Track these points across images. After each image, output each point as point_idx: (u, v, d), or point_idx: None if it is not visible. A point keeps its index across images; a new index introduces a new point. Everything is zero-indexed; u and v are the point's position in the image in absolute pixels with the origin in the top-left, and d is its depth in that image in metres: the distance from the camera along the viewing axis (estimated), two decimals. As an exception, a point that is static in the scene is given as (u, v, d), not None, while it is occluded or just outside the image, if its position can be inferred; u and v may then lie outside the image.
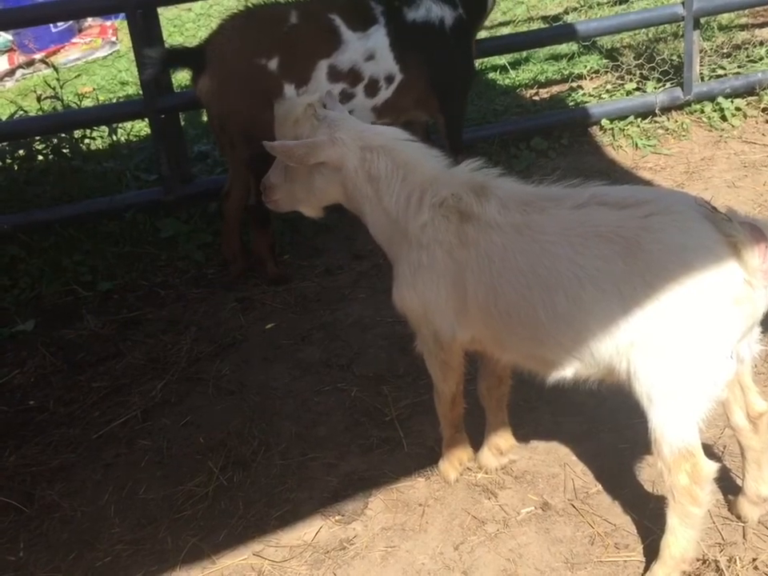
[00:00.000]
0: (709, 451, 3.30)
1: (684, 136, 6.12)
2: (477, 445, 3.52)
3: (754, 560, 2.95)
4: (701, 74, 6.41)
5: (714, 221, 2.56)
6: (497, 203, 2.87)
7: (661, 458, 2.71)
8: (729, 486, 3.24)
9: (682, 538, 2.78)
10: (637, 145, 6.06)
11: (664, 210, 2.63)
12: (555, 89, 6.99)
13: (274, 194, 3.36)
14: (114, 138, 6.35)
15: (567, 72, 7.14)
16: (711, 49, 6.79)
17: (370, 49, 4.85)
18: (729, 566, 2.92)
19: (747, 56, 6.72)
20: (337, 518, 3.39)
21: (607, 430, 3.58)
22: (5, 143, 5.94)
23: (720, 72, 6.57)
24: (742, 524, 3.08)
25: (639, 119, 6.27)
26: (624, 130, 6.20)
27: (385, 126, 3.31)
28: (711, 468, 2.71)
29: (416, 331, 3.19)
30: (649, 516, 3.12)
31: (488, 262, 2.85)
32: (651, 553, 2.96)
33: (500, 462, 3.50)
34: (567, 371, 2.87)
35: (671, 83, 6.41)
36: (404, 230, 3.04)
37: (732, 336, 2.59)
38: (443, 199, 2.97)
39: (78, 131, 6.01)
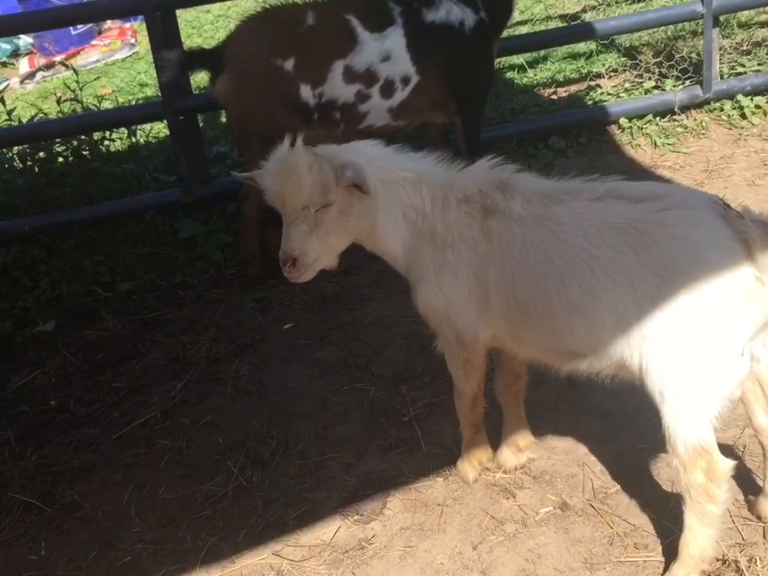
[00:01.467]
0: (729, 451, 3.30)
1: (703, 134, 6.09)
2: (495, 445, 3.51)
3: (775, 560, 2.93)
4: (720, 71, 6.37)
5: (726, 217, 2.58)
6: (520, 198, 2.92)
7: (676, 455, 2.71)
8: (749, 486, 3.22)
9: (700, 537, 2.77)
10: (656, 143, 6.04)
11: (678, 206, 2.66)
12: (573, 88, 6.97)
13: (306, 261, 3.04)
14: (134, 139, 6.40)
15: (585, 71, 7.11)
16: (731, 46, 6.76)
17: (386, 50, 4.85)
18: (749, 567, 2.90)
19: (767, 53, 6.67)
20: (355, 517, 3.40)
21: (627, 430, 3.57)
22: (25, 145, 6.00)
23: (740, 70, 6.53)
24: (763, 524, 3.06)
25: (658, 118, 6.24)
26: (643, 128, 6.17)
27: (386, 151, 3.19)
28: (727, 466, 2.70)
29: (437, 331, 3.19)
30: (668, 516, 3.11)
31: (509, 254, 2.89)
32: (671, 553, 2.95)
33: (519, 461, 3.50)
34: (582, 364, 2.89)
35: (690, 81, 6.37)
36: (430, 233, 3.04)
37: (743, 333, 2.58)
38: (468, 196, 3.00)
39: (97, 133, 6.06)
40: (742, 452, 3.39)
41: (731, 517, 3.09)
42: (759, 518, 3.09)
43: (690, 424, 2.64)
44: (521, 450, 3.50)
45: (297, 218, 3.00)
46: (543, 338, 2.95)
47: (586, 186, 2.89)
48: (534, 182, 3.02)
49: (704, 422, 2.65)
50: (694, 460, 2.67)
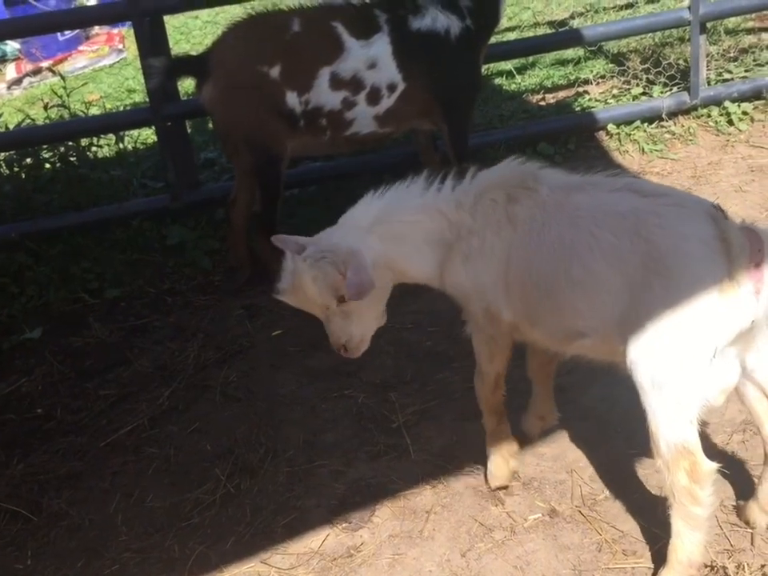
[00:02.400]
0: (716, 456, 3.30)
1: (691, 140, 6.11)
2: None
3: (763, 566, 2.93)
4: (707, 78, 6.38)
5: (715, 219, 2.64)
6: (547, 186, 2.99)
7: (659, 455, 2.72)
8: (737, 491, 3.22)
9: (688, 541, 2.77)
10: (644, 149, 6.05)
11: (676, 203, 2.77)
12: (561, 94, 6.98)
13: (355, 341, 3.20)
14: (121, 145, 6.38)
15: (573, 77, 7.13)
16: (718, 53, 6.77)
17: (372, 57, 4.85)
18: (737, 573, 2.90)
19: (754, 60, 6.69)
20: (344, 525, 3.39)
21: (615, 436, 3.56)
22: (12, 152, 5.98)
23: (727, 76, 6.55)
24: (751, 530, 3.07)
25: (646, 124, 6.25)
26: (631, 134, 6.19)
27: (357, 206, 3.21)
28: (711, 467, 2.71)
29: (467, 313, 3.21)
30: (657, 522, 3.10)
31: (529, 236, 2.96)
32: (659, 559, 2.94)
33: (543, 428, 3.58)
34: (585, 345, 2.93)
35: (678, 88, 6.39)
36: (457, 232, 3.08)
37: (717, 333, 2.60)
38: (494, 185, 3.06)
39: (85, 139, 6.04)
40: (730, 458, 3.39)
41: (719, 523, 3.09)
42: (747, 523, 3.09)
43: (671, 421, 2.66)
44: (544, 419, 3.56)
45: (326, 316, 3.14)
46: (552, 318, 2.99)
47: (609, 179, 3.00)
48: (559, 174, 3.13)
49: (684, 421, 2.66)
50: (676, 460, 2.68)
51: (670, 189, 3.03)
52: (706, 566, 2.92)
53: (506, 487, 3.43)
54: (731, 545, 3.04)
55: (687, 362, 2.62)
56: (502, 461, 3.42)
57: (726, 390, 2.76)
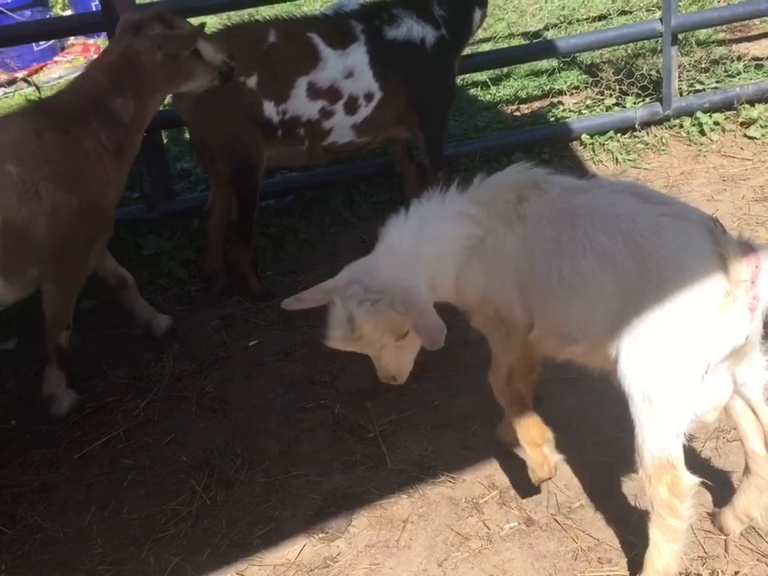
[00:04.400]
0: (690, 464, 3.32)
1: (663, 150, 6.16)
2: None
3: (736, 573, 2.97)
4: (680, 89, 6.45)
5: (713, 233, 2.65)
6: (557, 188, 3.04)
7: (642, 467, 2.74)
8: (711, 499, 3.25)
9: (664, 551, 2.79)
10: (617, 159, 6.10)
11: (675, 214, 2.78)
12: (536, 104, 7.03)
13: (403, 375, 3.27)
14: (96, 155, 6.33)
15: (548, 88, 7.17)
16: (690, 64, 6.84)
17: (349, 66, 4.88)
18: (711, 580, 2.93)
19: (725, 71, 6.77)
20: (320, 535, 3.39)
21: (590, 445, 3.59)
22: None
23: (698, 87, 6.62)
24: (724, 537, 3.10)
25: (619, 134, 6.30)
26: (604, 144, 6.24)
27: (389, 236, 3.16)
28: (692, 482, 2.73)
29: (477, 311, 3.22)
30: (632, 530, 3.13)
31: (534, 234, 2.99)
32: (635, 567, 2.97)
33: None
34: (578, 349, 2.94)
35: (650, 98, 6.45)
36: (483, 232, 3.10)
37: (712, 347, 2.61)
38: (508, 188, 3.09)
39: (59, 149, 5.99)
40: (704, 465, 3.42)
41: (693, 530, 3.11)
42: (722, 530, 3.12)
43: (658, 435, 2.68)
44: None
45: (378, 353, 3.14)
46: (546, 318, 3.01)
47: (612, 181, 3.09)
48: (567, 178, 3.18)
49: (671, 435, 2.68)
50: (659, 474, 2.70)
51: (671, 198, 3.05)
52: (681, 573, 2.94)
53: (549, 479, 3.32)
54: (705, 552, 3.07)
55: (679, 377, 2.63)
56: (540, 452, 3.25)
57: (718, 406, 2.78)
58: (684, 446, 3.32)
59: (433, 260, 3.10)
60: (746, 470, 3.01)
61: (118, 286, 4.67)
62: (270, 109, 4.77)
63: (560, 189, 3.03)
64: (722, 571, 2.97)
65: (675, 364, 2.62)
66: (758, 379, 2.83)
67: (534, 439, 3.25)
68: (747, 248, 2.62)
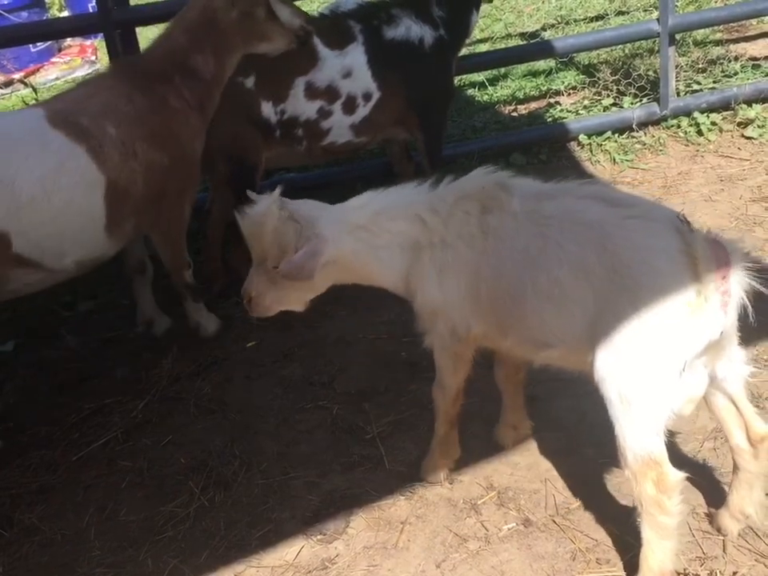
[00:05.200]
0: (688, 465, 3.33)
1: (661, 151, 6.17)
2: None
3: (735, 573, 2.96)
4: (677, 89, 6.45)
5: (680, 231, 2.66)
6: (519, 195, 3.01)
7: (627, 466, 2.75)
8: (709, 499, 3.25)
9: (658, 549, 2.80)
10: (614, 160, 6.11)
11: (641, 215, 2.78)
12: (533, 105, 7.03)
13: (262, 302, 3.29)
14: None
15: (545, 88, 7.18)
16: (687, 64, 6.85)
17: (347, 66, 4.88)
18: (709, 580, 2.93)
19: (722, 71, 6.78)
20: (318, 537, 3.38)
21: (588, 445, 3.58)
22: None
23: (696, 87, 6.63)
24: (723, 537, 3.09)
25: (617, 134, 6.31)
26: (602, 145, 6.25)
27: (359, 198, 3.29)
28: (678, 477, 2.74)
29: (430, 328, 3.22)
30: (630, 531, 3.11)
31: (500, 246, 2.98)
32: (632, 567, 2.96)
33: (515, 439, 3.62)
34: (554, 354, 2.95)
35: (648, 98, 6.46)
36: (429, 242, 3.11)
37: (685, 345, 2.63)
38: (466, 196, 3.08)
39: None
40: (702, 465, 3.42)
41: (691, 531, 3.12)
42: (719, 530, 3.11)
43: (637, 433, 2.69)
44: (516, 428, 3.61)
45: (258, 266, 3.20)
46: (520, 328, 3.01)
47: (577, 186, 3.02)
48: (531, 182, 3.15)
49: (650, 433, 2.69)
50: (644, 471, 2.71)
51: (637, 199, 3.03)
52: (679, 573, 2.94)
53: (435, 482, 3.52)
54: (703, 552, 3.06)
55: (655, 377, 2.64)
56: (442, 463, 3.50)
57: (694, 400, 2.79)
58: (680, 445, 3.36)
59: (369, 244, 3.16)
60: (734, 467, 3.03)
61: (136, 270, 4.77)
62: (268, 109, 4.78)
63: (523, 196, 3.00)
64: (720, 572, 2.96)
65: (650, 365, 2.64)
66: (737, 374, 2.85)
67: (448, 454, 3.50)
68: (715, 244, 2.64)
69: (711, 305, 2.60)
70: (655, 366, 2.64)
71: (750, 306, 2.66)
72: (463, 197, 3.10)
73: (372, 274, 3.28)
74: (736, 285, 2.61)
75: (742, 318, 2.72)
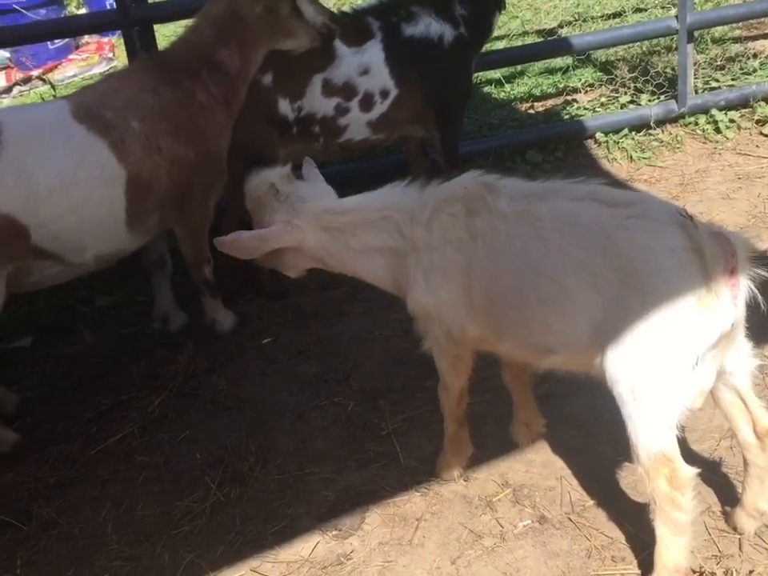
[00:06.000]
0: (705, 463, 3.32)
1: (678, 148, 6.15)
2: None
3: (751, 572, 2.95)
4: (695, 86, 6.43)
5: (685, 228, 2.65)
6: (506, 196, 2.98)
7: (639, 463, 2.75)
8: (725, 497, 3.24)
9: (672, 546, 2.79)
10: (632, 157, 6.09)
11: (643, 215, 2.75)
12: (550, 102, 7.02)
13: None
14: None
15: (562, 85, 7.17)
16: (705, 61, 6.83)
17: (364, 63, 4.88)
18: (725, 579, 2.92)
19: (741, 68, 6.76)
20: (334, 532, 3.39)
21: (604, 443, 3.58)
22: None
23: (714, 84, 6.61)
24: (739, 536, 3.08)
25: (634, 132, 6.30)
26: (619, 142, 6.23)
27: (348, 200, 3.36)
28: (690, 473, 2.73)
29: (426, 331, 3.24)
30: (645, 529, 3.10)
31: (492, 250, 2.95)
32: (648, 565, 2.96)
33: (529, 436, 3.62)
34: (557, 360, 2.94)
35: (665, 96, 6.44)
36: (411, 246, 3.11)
37: (696, 342, 2.62)
38: (451, 199, 3.07)
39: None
40: (718, 464, 3.41)
41: (707, 529, 3.11)
42: (735, 529, 3.10)
43: (649, 431, 2.69)
44: (529, 426, 3.62)
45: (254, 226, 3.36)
46: (521, 333, 3.01)
47: (570, 186, 2.98)
48: (518, 183, 3.13)
49: (663, 430, 2.68)
50: (656, 468, 2.71)
51: (636, 196, 3.00)
52: (695, 572, 2.94)
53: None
54: (719, 550, 3.05)
55: (670, 374, 2.64)
56: (455, 461, 3.51)
57: (704, 392, 2.78)
58: (696, 443, 3.35)
59: (343, 241, 3.20)
60: (745, 463, 3.02)
61: (156, 265, 4.80)
62: (285, 106, 4.78)
63: (510, 197, 2.97)
64: (736, 570, 2.95)
65: (664, 362, 2.63)
66: (745, 367, 2.84)
67: (460, 452, 3.51)
68: (721, 238, 2.63)
69: (721, 299, 2.59)
70: (669, 363, 2.63)
71: (759, 296, 2.66)
72: (447, 199, 3.09)
73: (354, 271, 3.32)
74: (744, 277, 2.61)
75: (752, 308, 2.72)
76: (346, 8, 5.55)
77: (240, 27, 4.37)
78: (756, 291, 2.64)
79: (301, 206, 3.24)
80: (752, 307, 2.70)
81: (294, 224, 3.19)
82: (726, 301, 2.60)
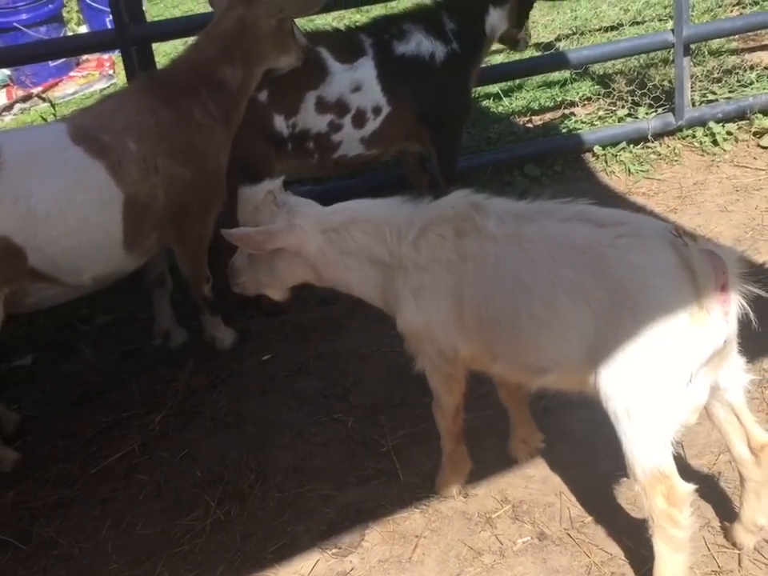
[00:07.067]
0: (703, 478, 3.32)
1: (676, 161, 6.16)
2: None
3: (750, 587, 2.95)
4: (692, 99, 6.44)
5: (675, 246, 2.66)
6: (494, 217, 3.00)
7: (636, 480, 2.76)
8: (724, 512, 3.24)
9: (671, 563, 2.79)
10: (630, 170, 6.10)
11: (633, 233, 2.77)
12: (548, 116, 7.03)
13: (239, 277, 3.48)
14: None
15: (560, 99, 7.18)
16: (702, 74, 6.84)
17: (356, 80, 4.90)
18: (725, 594, 2.92)
19: (738, 81, 6.76)
20: (334, 550, 3.40)
21: (602, 458, 3.57)
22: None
23: (711, 97, 6.61)
24: (738, 551, 3.08)
25: (631, 145, 6.30)
26: (617, 155, 6.24)
27: (343, 203, 3.39)
28: (687, 490, 2.73)
29: (418, 350, 3.25)
30: (645, 544, 3.09)
31: (482, 271, 2.97)
32: (647, 581, 2.97)
33: (528, 452, 3.63)
34: (550, 379, 2.96)
35: (663, 109, 6.45)
36: (399, 264, 3.13)
37: (689, 359, 2.63)
38: (440, 219, 3.09)
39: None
40: (717, 478, 3.41)
41: (707, 544, 3.12)
42: (734, 544, 3.11)
43: (645, 448, 2.70)
44: (527, 443, 3.63)
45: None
46: (513, 354, 3.03)
47: (558, 206, 2.99)
48: (506, 203, 3.15)
49: (659, 447, 2.69)
50: (653, 485, 2.71)
51: (625, 215, 2.98)
52: (694, 588, 2.94)
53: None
54: (719, 566, 3.06)
55: (663, 391, 2.65)
56: (453, 478, 3.52)
57: (698, 408, 2.79)
58: (695, 458, 3.35)
59: (337, 244, 3.22)
60: (741, 479, 3.03)
61: (156, 282, 4.81)
62: (280, 122, 4.81)
63: (499, 218, 2.98)
64: (735, 585, 2.96)
65: (658, 380, 2.65)
66: (738, 383, 2.85)
67: (458, 469, 3.51)
68: (711, 255, 2.65)
69: (713, 316, 2.60)
70: (662, 381, 2.64)
71: (751, 313, 2.67)
72: (435, 219, 3.10)
73: (344, 281, 3.32)
74: (735, 293, 2.62)
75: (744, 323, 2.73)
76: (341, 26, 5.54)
77: (249, 42, 4.39)
78: (747, 307, 2.65)
79: (299, 209, 3.27)
80: (744, 322, 2.71)
81: (297, 224, 3.21)
82: (717, 317, 2.61)
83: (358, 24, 5.28)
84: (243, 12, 4.36)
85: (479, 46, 5.33)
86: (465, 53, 5.19)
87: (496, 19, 5.30)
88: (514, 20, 5.36)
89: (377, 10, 7.49)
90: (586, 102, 7.01)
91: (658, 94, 6.52)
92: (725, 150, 6.17)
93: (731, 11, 8.11)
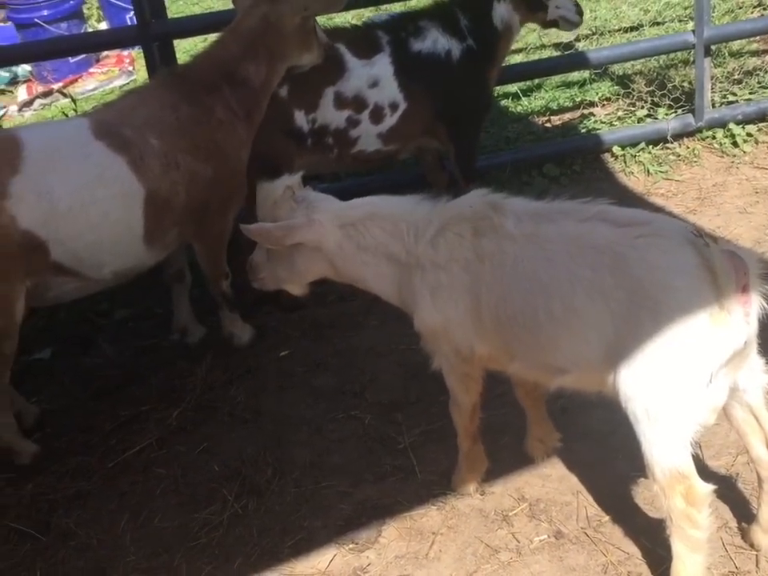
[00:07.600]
0: (721, 479, 3.32)
1: (695, 162, 6.14)
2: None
3: (768, 588, 2.95)
4: (712, 100, 6.42)
5: (696, 246, 2.65)
6: (513, 217, 3.00)
7: (655, 480, 2.75)
8: (742, 513, 3.24)
9: (689, 563, 2.79)
10: (648, 171, 6.08)
11: (653, 233, 2.75)
12: (567, 116, 7.02)
13: (258, 272, 3.50)
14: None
15: (579, 99, 7.17)
16: (722, 75, 6.81)
17: (374, 76, 4.93)
18: (742, 595, 2.92)
19: (758, 82, 6.73)
20: (350, 546, 3.41)
21: (620, 457, 3.57)
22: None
23: (731, 98, 6.58)
24: (755, 552, 3.08)
25: (651, 146, 6.28)
26: (636, 156, 6.22)
27: (362, 199, 3.41)
28: (707, 490, 2.73)
29: (435, 349, 3.25)
30: (662, 544, 3.09)
31: (500, 271, 2.96)
32: (664, 581, 2.96)
33: (545, 451, 3.63)
34: (568, 380, 2.96)
35: (683, 110, 6.43)
36: (416, 262, 3.13)
37: (710, 359, 2.63)
38: (457, 219, 3.09)
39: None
40: (735, 479, 3.40)
41: (724, 545, 3.11)
42: (752, 545, 3.10)
43: (664, 448, 2.69)
44: (544, 441, 3.62)
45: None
46: (532, 354, 3.02)
47: (578, 206, 2.98)
48: (525, 203, 3.14)
49: (678, 447, 2.69)
50: (672, 485, 2.71)
51: (645, 215, 2.96)
52: (711, 588, 2.94)
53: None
54: (736, 567, 3.05)
55: (683, 392, 2.64)
56: (470, 476, 3.53)
57: (717, 409, 2.78)
58: (713, 459, 3.34)
59: (355, 239, 3.22)
60: (759, 480, 3.02)
61: (175, 278, 4.84)
62: (300, 118, 4.83)
63: (517, 218, 2.98)
64: (752, 587, 2.95)
65: (678, 380, 2.64)
66: (757, 384, 2.84)
67: (475, 467, 3.52)
68: (732, 256, 2.64)
69: (734, 317, 2.60)
70: (683, 382, 2.64)
71: None
72: (453, 218, 3.11)
73: (361, 277, 3.33)
74: (756, 293, 2.62)
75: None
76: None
77: (273, 39, 4.41)
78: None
79: (319, 204, 3.28)
80: (765, 324, 2.70)
81: (316, 219, 3.22)
82: (738, 318, 2.60)
83: (376, 20, 5.27)
84: (267, 9, 4.37)
85: (493, 41, 5.28)
86: (480, 49, 5.18)
87: (504, 11, 5.19)
88: (525, 6, 5.28)
89: (395, 8, 7.47)
90: (605, 103, 6.99)
91: (677, 94, 6.50)
92: (744, 152, 6.15)
93: (752, 12, 8.06)
